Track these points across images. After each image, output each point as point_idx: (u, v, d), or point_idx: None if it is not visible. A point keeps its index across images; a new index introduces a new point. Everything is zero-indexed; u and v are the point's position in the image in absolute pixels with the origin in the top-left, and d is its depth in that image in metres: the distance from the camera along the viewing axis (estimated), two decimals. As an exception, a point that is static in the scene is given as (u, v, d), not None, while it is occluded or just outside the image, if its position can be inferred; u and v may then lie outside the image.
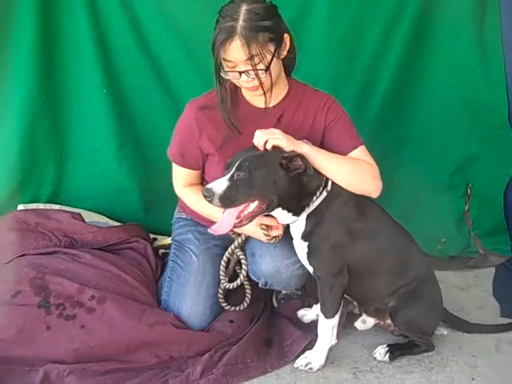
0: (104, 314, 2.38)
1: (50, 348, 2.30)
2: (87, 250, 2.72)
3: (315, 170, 2.24)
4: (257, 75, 2.21)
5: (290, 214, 2.27)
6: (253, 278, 2.56)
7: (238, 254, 2.56)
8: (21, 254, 2.60)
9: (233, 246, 2.55)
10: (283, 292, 2.81)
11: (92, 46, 3.04)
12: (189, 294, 2.56)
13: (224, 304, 2.62)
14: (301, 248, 2.34)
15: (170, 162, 2.56)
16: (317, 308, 2.54)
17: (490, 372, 2.37)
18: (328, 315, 2.35)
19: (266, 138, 2.21)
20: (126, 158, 3.22)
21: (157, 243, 3.10)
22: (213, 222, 2.28)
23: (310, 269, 2.35)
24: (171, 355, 2.40)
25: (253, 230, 2.39)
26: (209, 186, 2.13)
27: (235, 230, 2.38)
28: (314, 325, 2.47)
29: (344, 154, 2.40)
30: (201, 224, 2.66)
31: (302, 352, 2.42)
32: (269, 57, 2.20)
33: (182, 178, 2.57)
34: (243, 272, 2.56)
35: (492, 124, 3.34)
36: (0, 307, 2.36)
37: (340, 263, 2.31)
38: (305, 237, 2.31)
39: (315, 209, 2.28)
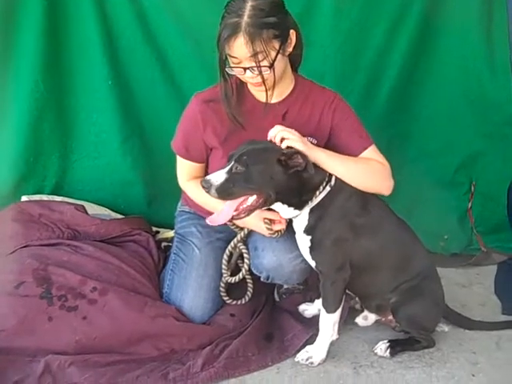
0: (106, 306, 2.39)
1: (52, 339, 2.31)
2: (90, 242, 2.73)
3: (318, 166, 2.25)
4: (260, 72, 2.20)
5: (292, 208, 2.28)
6: (255, 272, 2.56)
7: (241, 247, 2.57)
8: (24, 245, 2.61)
9: (235, 239, 2.55)
10: (285, 286, 2.81)
11: (98, 38, 3.03)
12: (191, 287, 2.57)
13: (226, 298, 2.63)
14: (303, 242, 2.34)
15: (174, 155, 2.56)
16: (318, 303, 2.54)
17: (491, 369, 2.38)
18: (330, 310, 2.35)
19: (283, 136, 2.21)
20: (130, 150, 3.22)
21: (159, 236, 3.11)
22: (215, 216, 2.29)
23: (313, 263, 2.36)
24: (172, 348, 2.41)
25: (255, 223, 2.39)
26: (208, 177, 2.16)
27: (237, 223, 2.40)
28: (315, 319, 2.48)
29: (355, 155, 2.41)
30: (204, 217, 2.65)
31: (303, 346, 2.42)
32: (273, 54, 2.19)
33: (185, 171, 2.58)
34: (245, 266, 2.57)
35: (496, 121, 3.33)
36: (2, 298, 2.37)
37: (342, 258, 2.31)
38: (307, 231, 2.31)
39: (318, 203, 2.28)
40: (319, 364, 2.37)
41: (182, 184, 2.62)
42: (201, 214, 2.68)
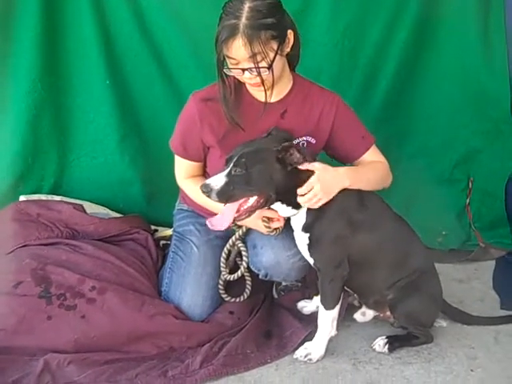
0: (104, 305, 2.40)
1: (51, 338, 2.31)
2: (88, 241, 2.73)
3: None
4: (259, 73, 2.20)
5: (290, 207, 2.28)
6: (253, 269, 2.57)
7: (239, 245, 2.57)
8: (22, 244, 2.61)
9: (234, 237, 2.56)
10: (283, 283, 2.82)
11: (95, 36, 3.03)
12: (189, 285, 2.57)
13: (224, 295, 2.63)
14: (301, 240, 2.35)
15: (171, 154, 2.56)
16: (317, 299, 2.54)
17: (489, 364, 2.38)
18: (328, 307, 2.36)
19: (320, 198, 2.23)
20: (128, 149, 3.22)
21: (158, 234, 3.11)
22: (214, 214, 2.29)
23: (311, 260, 2.36)
24: (171, 346, 2.42)
25: (254, 222, 2.39)
26: (207, 181, 2.16)
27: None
28: (313, 316, 2.48)
29: (358, 156, 2.48)
30: (202, 216, 2.67)
31: (302, 343, 2.43)
32: (271, 55, 2.19)
33: (183, 170, 2.58)
34: (244, 264, 2.57)
35: (494, 118, 3.33)
36: (1, 297, 2.37)
37: (341, 255, 2.31)
38: (305, 229, 2.31)
39: (315, 201, 2.28)
40: (318, 360, 2.38)
41: (180, 182, 2.62)
42: (199, 212, 2.69)
